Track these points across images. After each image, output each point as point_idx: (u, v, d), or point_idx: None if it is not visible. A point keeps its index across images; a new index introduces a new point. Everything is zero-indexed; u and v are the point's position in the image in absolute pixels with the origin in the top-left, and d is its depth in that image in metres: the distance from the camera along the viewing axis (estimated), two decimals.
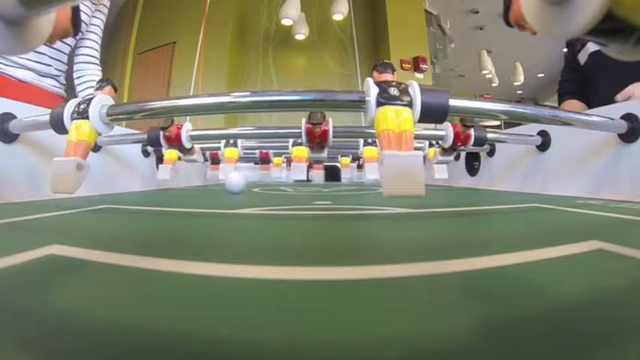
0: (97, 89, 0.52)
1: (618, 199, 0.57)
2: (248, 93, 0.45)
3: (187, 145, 0.83)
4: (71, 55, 0.91)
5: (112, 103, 0.50)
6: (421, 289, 0.16)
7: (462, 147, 0.83)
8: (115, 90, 0.54)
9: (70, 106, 0.49)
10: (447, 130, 0.81)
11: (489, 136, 1.00)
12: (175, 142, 0.81)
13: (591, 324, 0.12)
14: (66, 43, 0.86)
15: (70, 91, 0.95)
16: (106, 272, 0.19)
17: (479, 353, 0.10)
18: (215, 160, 1.27)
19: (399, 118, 0.36)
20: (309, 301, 0.15)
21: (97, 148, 0.89)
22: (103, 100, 0.49)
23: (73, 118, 0.49)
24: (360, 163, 1.62)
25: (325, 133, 0.72)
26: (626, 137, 0.64)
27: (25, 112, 0.62)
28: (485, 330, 0.12)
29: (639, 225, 0.35)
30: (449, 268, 0.19)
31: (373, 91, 0.37)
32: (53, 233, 0.31)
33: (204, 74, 2.75)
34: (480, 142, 0.83)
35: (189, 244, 0.28)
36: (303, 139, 0.74)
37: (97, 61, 0.97)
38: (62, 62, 0.88)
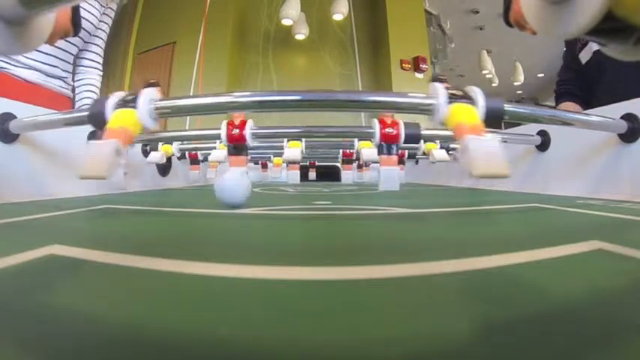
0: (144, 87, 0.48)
1: (618, 199, 0.57)
2: (263, 92, 0.45)
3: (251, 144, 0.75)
4: (77, 57, 0.92)
5: (160, 98, 0.47)
6: (421, 289, 0.16)
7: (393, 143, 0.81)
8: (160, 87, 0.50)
9: (114, 99, 0.45)
10: (374, 127, 0.79)
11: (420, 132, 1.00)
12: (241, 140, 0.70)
13: (591, 324, 0.12)
14: (73, 44, 0.87)
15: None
16: (105, 272, 0.19)
17: (479, 353, 0.10)
18: (194, 161, 1.26)
19: (469, 113, 0.39)
20: (309, 301, 0.15)
21: None
22: (153, 94, 0.46)
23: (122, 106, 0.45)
24: (360, 163, 1.62)
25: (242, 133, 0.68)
26: (626, 137, 0.64)
27: (25, 112, 0.62)
28: (485, 330, 0.12)
29: (639, 225, 0.35)
30: (449, 268, 0.19)
31: (442, 93, 0.40)
32: (53, 233, 0.32)
33: (204, 74, 2.75)
34: (410, 139, 0.79)
35: (189, 244, 0.28)
36: (223, 139, 0.68)
37: (100, 67, 0.97)
38: (69, 63, 0.89)
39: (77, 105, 0.93)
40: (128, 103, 0.44)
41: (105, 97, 0.45)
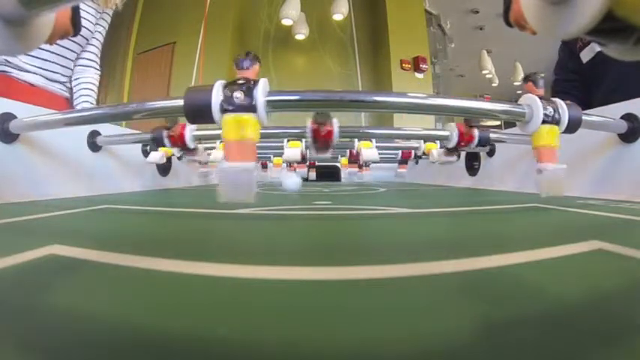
0: (242, 65, 0.40)
1: (618, 199, 0.57)
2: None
3: (191, 146, 0.82)
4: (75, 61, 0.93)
5: (268, 87, 0.40)
6: (421, 289, 0.16)
7: (465, 147, 0.83)
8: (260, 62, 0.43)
9: (218, 91, 0.37)
10: (451, 131, 0.81)
11: (490, 136, 1.00)
12: (179, 142, 0.80)
13: (591, 324, 0.12)
14: (72, 50, 0.89)
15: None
16: (105, 272, 0.19)
17: (479, 353, 0.10)
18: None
19: (553, 136, 0.45)
20: (309, 301, 0.15)
21: (97, 148, 0.89)
22: (267, 85, 0.39)
23: (225, 110, 0.37)
24: (360, 164, 1.62)
25: (330, 133, 0.71)
26: (626, 137, 0.64)
27: (25, 112, 0.62)
28: (485, 330, 0.12)
29: (639, 225, 0.35)
30: (449, 268, 0.19)
31: (540, 111, 0.44)
32: (53, 233, 0.31)
33: (204, 74, 2.75)
34: (483, 142, 0.83)
35: (189, 244, 0.28)
36: (309, 138, 0.72)
37: (97, 65, 0.98)
38: (68, 68, 0.91)
39: (75, 103, 0.94)
40: (240, 101, 0.37)
41: (206, 88, 0.37)
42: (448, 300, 0.15)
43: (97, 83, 0.99)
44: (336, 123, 0.68)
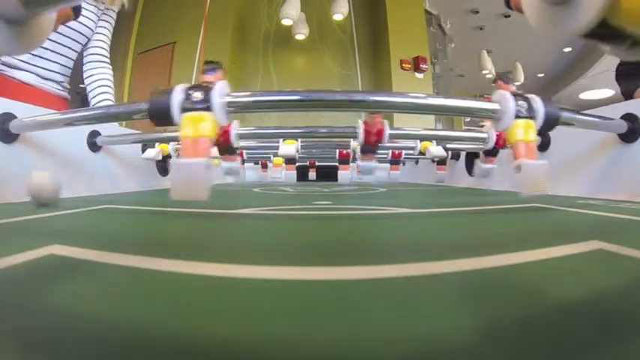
0: (206, 72, 0.44)
1: (618, 199, 0.57)
2: (299, 91, 0.45)
3: (236, 144, 0.73)
4: (78, 60, 0.91)
5: (229, 90, 0.42)
6: (421, 289, 0.16)
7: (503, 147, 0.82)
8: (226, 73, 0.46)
9: (178, 93, 0.40)
10: (488, 133, 0.80)
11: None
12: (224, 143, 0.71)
13: (591, 324, 0.12)
14: (71, 49, 0.87)
15: (73, 93, 0.94)
16: (105, 272, 0.19)
17: (479, 353, 0.10)
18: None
19: (528, 130, 0.43)
20: (309, 301, 0.15)
21: (97, 148, 0.89)
22: (225, 87, 0.41)
23: (185, 109, 0.39)
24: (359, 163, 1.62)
25: (381, 132, 0.70)
26: (626, 137, 0.64)
27: (25, 112, 0.62)
28: (485, 330, 0.12)
29: (639, 225, 0.35)
30: (449, 268, 0.19)
31: (511, 105, 0.42)
32: (53, 233, 0.31)
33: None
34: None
35: (189, 244, 0.28)
36: (360, 139, 0.71)
37: (108, 61, 0.96)
38: (67, 68, 0.88)
39: (92, 102, 0.92)
40: (201, 103, 0.39)
41: (167, 91, 0.40)
42: (449, 300, 0.15)
43: (112, 79, 0.97)
44: (387, 124, 0.69)
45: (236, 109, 0.44)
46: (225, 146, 0.72)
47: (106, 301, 0.15)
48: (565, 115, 0.49)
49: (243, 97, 0.45)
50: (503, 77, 0.46)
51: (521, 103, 0.42)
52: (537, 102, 0.43)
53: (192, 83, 0.42)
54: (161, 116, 0.40)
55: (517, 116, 0.42)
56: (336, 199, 0.70)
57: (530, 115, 0.43)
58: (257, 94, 0.45)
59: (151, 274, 0.18)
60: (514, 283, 0.17)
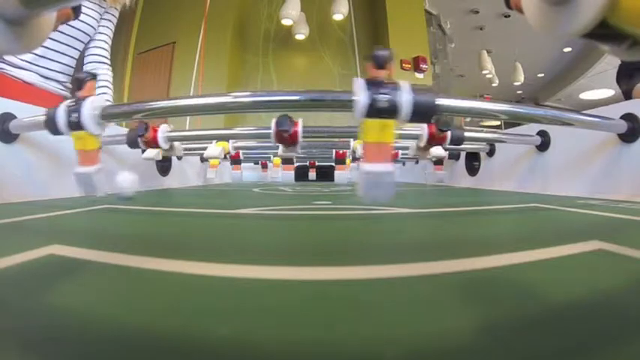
0: (77, 89, 0.50)
1: (618, 199, 0.57)
2: (247, 93, 0.45)
3: (165, 146, 0.84)
4: (80, 60, 0.91)
5: (102, 103, 0.49)
6: (421, 289, 0.16)
7: (439, 144, 0.81)
8: (95, 79, 0.53)
9: (61, 112, 0.48)
10: (422, 130, 0.80)
11: (489, 136, 1.00)
12: (153, 143, 0.83)
13: (592, 323, 0.12)
14: (73, 48, 0.87)
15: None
16: (105, 272, 0.19)
17: (479, 353, 0.10)
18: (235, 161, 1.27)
19: (383, 131, 0.35)
20: (309, 300, 0.15)
21: None
22: (94, 103, 0.48)
23: (71, 127, 0.48)
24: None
25: (295, 134, 0.71)
26: (626, 137, 0.64)
27: (25, 112, 0.62)
28: (485, 329, 0.12)
29: (639, 225, 0.35)
30: (449, 268, 0.19)
31: (363, 97, 0.35)
32: (53, 233, 0.31)
33: (205, 74, 2.75)
34: (456, 141, 0.81)
35: (189, 244, 0.28)
36: (273, 140, 0.73)
37: (108, 61, 0.96)
38: (70, 67, 0.89)
39: None
40: (77, 124, 0.47)
41: (53, 109, 0.49)
42: (448, 300, 0.15)
43: (111, 80, 0.97)
44: (300, 123, 0.68)
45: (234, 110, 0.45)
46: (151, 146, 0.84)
47: (106, 301, 0.15)
48: (442, 102, 0.39)
49: (244, 97, 0.45)
50: (376, 58, 0.37)
51: (382, 94, 0.35)
52: (405, 91, 0.35)
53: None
54: (54, 130, 0.50)
55: (374, 109, 0.35)
56: (336, 199, 0.70)
57: (392, 108, 0.35)
58: (258, 94, 0.45)
59: (151, 274, 0.18)
60: (514, 283, 0.17)
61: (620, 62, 0.93)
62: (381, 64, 0.37)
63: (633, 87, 0.81)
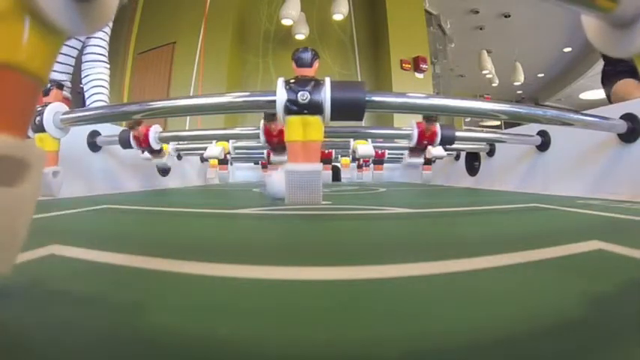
0: (44, 95, 0.55)
1: (618, 199, 0.57)
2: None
3: (156, 147, 0.84)
4: (78, 58, 0.91)
5: (64, 108, 0.56)
6: (421, 289, 0.16)
7: (430, 144, 0.81)
8: (61, 88, 0.59)
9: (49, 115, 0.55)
10: (412, 129, 0.79)
11: (489, 136, 1.00)
12: (144, 143, 0.83)
13: (591, 324, 0.12)
14: (70, 46, 0.87)
15: (74, 93, 0.94)
16: (105, 272, 0.19)
17: (479, 353, 0.10)
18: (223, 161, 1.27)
19: (306, 128, 0.35)
20: (309, 300, 0.15)
21: (97, 148, 0.89)
22: (55, 108, 0.54)
23: (33, 129, 0.54)
24: (360, 163, 1.62)
25: (282, 132, 0.71)
26: (626, 137, 0.64)
27: None
28: (485, 329, 0.12)
29: (639, 225, 0.35)
30: (449, 268, 0.19)
31: (281, 96, 0.35)
32: (53, 233, 0.31)
33: (204, 74, 2.75)
34: (447, 140, 0.81)
35: (189, 244, 0.28)
36: (262, 139, 0.73)
37: (105, 59, 0.96)
38: (69, 65, 0.88)
39: (88, 102, 0.92)
40: (39, 126, 0.53)
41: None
42: (448, 300, 0.15)
43: (108, 78, 0.97)
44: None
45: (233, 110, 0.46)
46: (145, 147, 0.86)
47: (106, 300, 0.15)
48: (373, 98, 0.39)
49: (243, 97, 0.45)
50: (297, 59, 0.35)
51: (301, 91, 0.34)
52: (327, 88, 0.35)
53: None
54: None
55: (295, 107, 0.34)
56: (336, 199, 0.70)
57: (314, 106, 0.34)
58: (258, 95, 0.45)
59: (151, 273, 0.18)
60: (514, 283, 0.17)
61: (604, 65, 0.94)
62: (303, 64, 0.37)
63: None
